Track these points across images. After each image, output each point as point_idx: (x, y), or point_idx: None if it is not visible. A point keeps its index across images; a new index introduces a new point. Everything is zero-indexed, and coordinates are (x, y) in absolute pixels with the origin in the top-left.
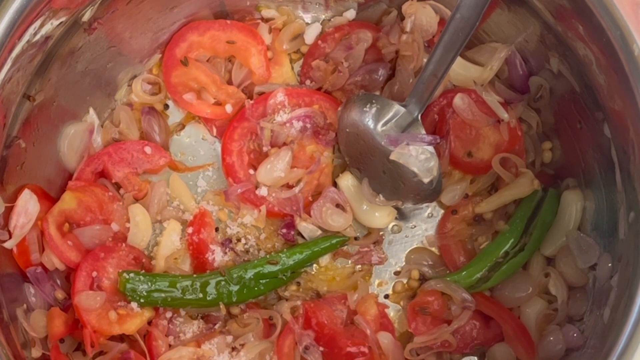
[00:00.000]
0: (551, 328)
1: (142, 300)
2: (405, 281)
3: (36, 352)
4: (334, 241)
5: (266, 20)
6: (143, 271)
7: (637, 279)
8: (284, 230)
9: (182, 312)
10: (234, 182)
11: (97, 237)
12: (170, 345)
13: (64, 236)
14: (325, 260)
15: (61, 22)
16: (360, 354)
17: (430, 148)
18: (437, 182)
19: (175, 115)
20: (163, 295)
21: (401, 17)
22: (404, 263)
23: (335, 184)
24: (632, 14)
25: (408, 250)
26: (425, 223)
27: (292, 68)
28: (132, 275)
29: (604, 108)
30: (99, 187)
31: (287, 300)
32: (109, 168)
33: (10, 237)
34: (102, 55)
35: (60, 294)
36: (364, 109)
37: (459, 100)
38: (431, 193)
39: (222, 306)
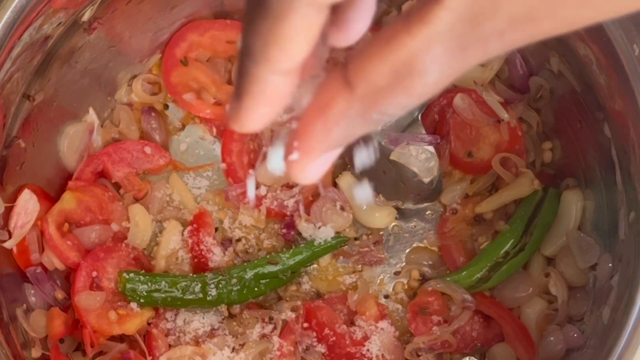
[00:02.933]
0: (551, 328)
1: (142, 300)
2: (405, 281)
3: (36, 352)
4: (334, 241)
5: None
6: (143, 271)
7: (638, 279)
8: (284, 230)
9: (182, 312)
10: (234, 182)
11: (97, 237)
12: (170, 345)
13: (64, 236)
14: (325, 260)
15: (61, 22)
16: (360, 354)
17: (431, 148)
18: (437, 182)
19: (175, 115)
20: (163, 295)
21: None
22: (404, 263)
23: (335, 184)
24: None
25: (408, 250)
26: (425, 223)
27: None
28: (132, 275)
29: (604, 108)
30: (99, 187)
31: (287, 300)
32: (109, 168)
33: (10, 237)
34: (102, 55)
35: (60, 294)
36: None
37: (459, 100)
38: (431, 193)
39: (222, 306)
